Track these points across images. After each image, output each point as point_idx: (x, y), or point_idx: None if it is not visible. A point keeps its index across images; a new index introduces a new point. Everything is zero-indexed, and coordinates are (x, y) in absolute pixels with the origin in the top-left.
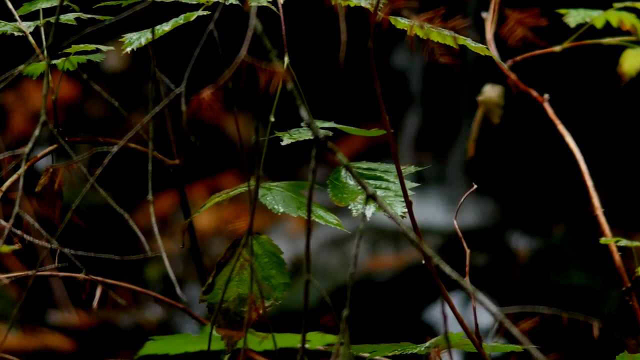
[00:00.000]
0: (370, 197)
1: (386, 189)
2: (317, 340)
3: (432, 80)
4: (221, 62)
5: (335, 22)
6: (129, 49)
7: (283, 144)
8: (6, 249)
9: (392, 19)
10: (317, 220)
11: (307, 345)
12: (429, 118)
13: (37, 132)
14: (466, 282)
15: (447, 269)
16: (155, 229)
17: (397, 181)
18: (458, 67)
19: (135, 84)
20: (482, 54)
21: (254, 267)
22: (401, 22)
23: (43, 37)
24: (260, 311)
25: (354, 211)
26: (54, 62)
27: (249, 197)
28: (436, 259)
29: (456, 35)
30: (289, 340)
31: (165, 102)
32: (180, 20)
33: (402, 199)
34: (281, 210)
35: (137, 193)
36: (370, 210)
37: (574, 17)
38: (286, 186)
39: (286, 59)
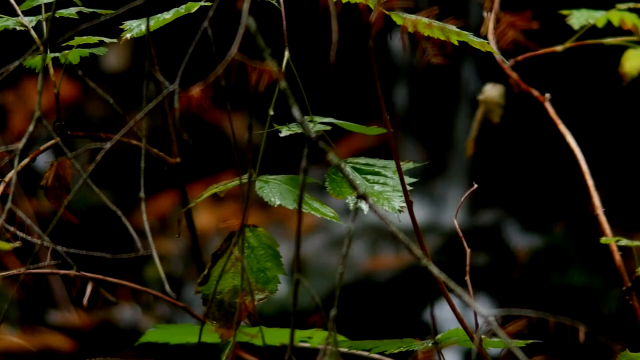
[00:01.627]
0: (361, 197)
1: (384, 184)
2: (318, 337)
3: (432, 81)
4: (215, 58)
5: (342, 19)
6: (129, 35)
7: (282, 135)
8: (6, 246)
9: (391, 14)
10: (312, 212)
11: (308, 344)
12: (429, 118)
13: (31, 128)
14: (455, 283)
15: (435, 270)
16: (147, 227)
17: (395, 176)
18: (450, 68)
19: (135, 84)
20: (483, 49)
21: (250, 259)
22: (400, 18)
23: (45, 31)
24: (255, 303)
25: (351, 204)
26: (55, 55)
27: (244, 189)
28: (424, 261)
29: (459, 30)
30: (288, 335)
31: (158, 99)
32: (182, 10)
33: (400, 194)
34: (277, 202)
35: (137, 192)
36: (366, 204)
37: (577, 18)
38: (284, 179)
39: (286, 53)
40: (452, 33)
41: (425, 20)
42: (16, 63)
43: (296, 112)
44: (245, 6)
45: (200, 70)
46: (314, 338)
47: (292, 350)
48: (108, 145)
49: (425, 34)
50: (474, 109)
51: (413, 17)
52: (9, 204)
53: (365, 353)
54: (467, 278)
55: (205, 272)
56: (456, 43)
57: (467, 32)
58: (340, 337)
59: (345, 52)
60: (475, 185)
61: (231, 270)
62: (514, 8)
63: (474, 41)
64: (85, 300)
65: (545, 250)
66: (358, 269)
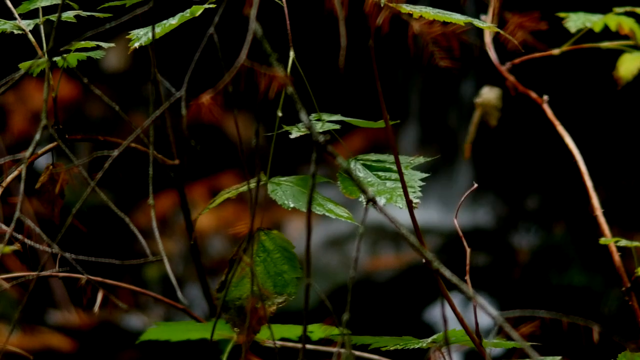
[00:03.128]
0: (371, 201)
1: (396, 180)
2: (318, 333)
3: (432, 81)
4: (221, 64)
5: (348, 19)
6: (137, 45)
7: (292, 137)
8: (7, 249)
9: (397, 6)
10: (327, 214)
11: (308, 345)
12: (429, 117)
13: (37, 137)
14: (466, 286)
15: (447, 273)
16: (157, 234)
17: (407, 171)
18: (457, 71)
19: (136, 84)
20: (490, 31)
21: (266, 263)
22: (405, 9)
23: (42, 35)
24: (275, 308)
25: (365, 202)
26: (54, 59)
27: (253, 194)
28: (436, 263)
29: (466, 18)
30: (292, 331)
31: (165, 106)
32: (187, 14)
33: (414, 189)
34: (291, 205)
35: (137, 192)
36: (381, 200)
37: (574, 21)
38: (295, 181)
39: (292, 54)
40: (460, 20)
41: (430, 10)
42: (21, 72)
43: (304, 116)
44: (253, 12)
45: (205, 72)
46: (315, 332)
47: (304, 354)
48: (116, 153)
49: (430, 19)
50: (472, 111)
51: (418, 7)
52: (17, 214)
53: (367, 354)
54: (467, 278)
55: (223, 278)
56: (462, 24)
57: (472, 19)
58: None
59: (351, 51)
60: (475, 185)
61: (248, 275)
62: (519, 9)
63: (481, 25)
64: (96, 308)
65: (545, 250)
66: (358, 269)
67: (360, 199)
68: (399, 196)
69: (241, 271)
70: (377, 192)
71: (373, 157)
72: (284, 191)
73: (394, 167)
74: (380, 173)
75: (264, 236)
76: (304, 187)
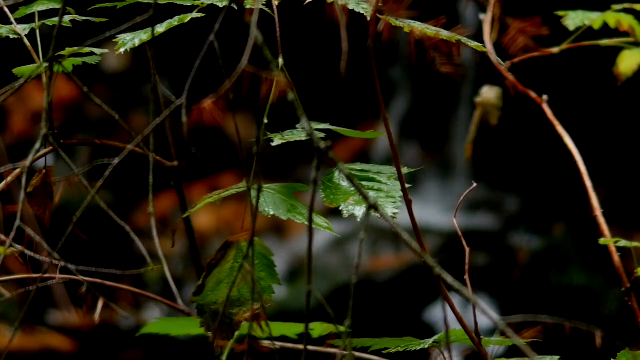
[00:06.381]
0: (372, 207)
1: (378, 190)
2: (318, 330)
3: (430, 80)
4: (222, 67)
5: (334, 24)
6: (122, 50)
7: (273, 144)
8: (7, 251)
9: (391, 20)
10: (306, 223)
11: (309, 347)
12: (427, 117)
13: (37, 145)
14: (468, 291)
15: (449, 279)
16: (157, 242)
17: (390, 182)
18: (458, 77)
19: (136, 84)
20: (479, 50)
21: (245, 269)
22: (396, 22)
23: (39, 39)
24: (249, 314)
25: (345, 212)
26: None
27: (248, 199)
28: (438, 269)
29: (455, 35)
30: (291, 329)
31: (165, 114)
32: (175, 22)
33: (393, 200)
34: (271, 212)
35: (137, 192)
36: (361, 210)
37: (572, 19)
38: (278, 188)
39: (280, 60)
40: (450, 37)
41: (419, 25)
42: (21, 80)
43: (305, 123)
44: (254, 18)
45: (208, 71)
46: (315, 329)
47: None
48: (116, 161)
49: (432, 36)
50: (472, 111)
51: (408, 22)
52: (17, 222)
53: (367, 355)
54: (467, 277)
55: (200, 282)
56: (454, 41)
57: (461, 37)
58: (342, 328)
59: (351, 56)
60: (475, 185)
61: (225, 281)
62: (515, 9)
63: (471, 44)
64: (97, 317)
65: (545, 251)
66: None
67: (340, 208)
68: (379, 206)
69: (218, 276)
70: (359, 201)
71: (358, 166)
72: (265, 198)
73: (377, 178)
74: (363, 183)
75: (243, 242)
76: (286, 195)
